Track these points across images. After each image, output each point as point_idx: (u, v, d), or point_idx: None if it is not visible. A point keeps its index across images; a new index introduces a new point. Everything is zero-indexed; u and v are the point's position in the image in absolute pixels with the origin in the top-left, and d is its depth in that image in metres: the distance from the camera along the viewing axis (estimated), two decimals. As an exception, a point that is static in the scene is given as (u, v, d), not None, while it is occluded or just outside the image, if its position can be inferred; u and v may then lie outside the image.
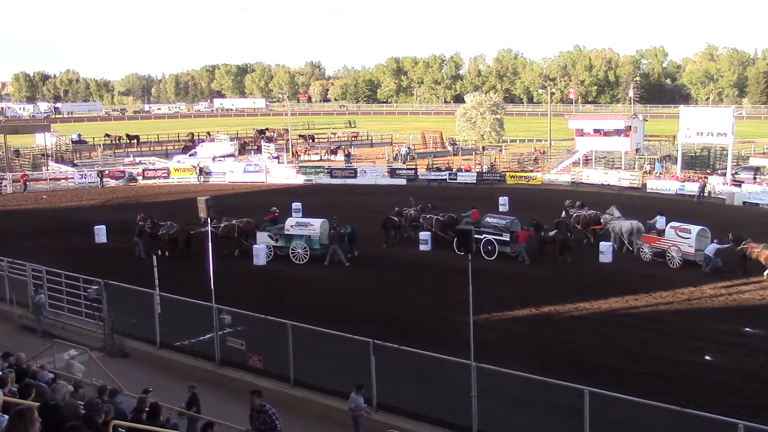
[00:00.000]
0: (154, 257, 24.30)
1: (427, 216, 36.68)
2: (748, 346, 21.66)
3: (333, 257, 32.27)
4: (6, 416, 8.50)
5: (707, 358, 20.84)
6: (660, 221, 34.46)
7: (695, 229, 31.15)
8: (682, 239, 31.08)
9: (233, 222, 34.46)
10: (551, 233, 32.82)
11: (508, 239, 32.50)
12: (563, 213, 37.01)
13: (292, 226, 33.42)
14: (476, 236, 31.74)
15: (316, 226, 32.98)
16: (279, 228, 33.98)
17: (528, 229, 33.45)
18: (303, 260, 32.53)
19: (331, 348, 18.52)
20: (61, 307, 24.76)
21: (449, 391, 16.35)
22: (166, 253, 33.29)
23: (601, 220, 35.45)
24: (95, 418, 10.22)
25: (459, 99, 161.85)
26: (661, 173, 56.69)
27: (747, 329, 23.22)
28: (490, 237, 32.82)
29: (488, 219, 33.93)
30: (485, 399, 15.69)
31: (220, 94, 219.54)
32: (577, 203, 38.67)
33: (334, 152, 77.92)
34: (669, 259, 31.30)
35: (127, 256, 33.58)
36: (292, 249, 32.84)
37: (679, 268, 30.43)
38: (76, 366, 17.94)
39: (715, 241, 30.53)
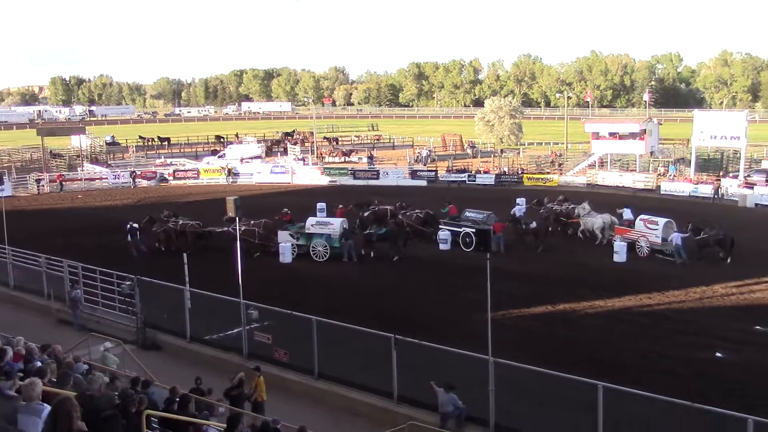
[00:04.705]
0: (185, 254, 24.43)
1: (407, 212, 37.39)
2: (759, 344, 21.57)
3: (349, 252, 32.69)
4: (46, 405, 8.70)
5: (718, 355, 20.74)
6: (626, 213, 36.11)
7: (662, 221, 32.97)
8: (650, 230, 32.91)
9: (252, 226, 33.80)
10: (532, 225, 34.98)
11: None
12: (543, 207, 39.21)
13: (312, 225, 33.75)
14: (455, 229, 34.65)
15: (336, 225, 33.48)
16: (300, 227, 34.27)
17: (505, 222, 35.08)
18: (324, 258, 32.83)
19: (355, 343, 18.63)
20: (96, 302, 25.03)
21: (468, 385, 16.37)
22: (162, 248, 34.66)
23: (576, 214, 36.92)
24: (129, 407, 10.40)
25: (478, 103, 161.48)
26: (674, 176, 56.29)
27: (758, 327, 23.03)
28: (468, 230, 34.29)
29: (467, 213, 35.66)
30: (502, 393, 15.74)
31: (247, 98, 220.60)
32: (559, 197, 40.47)
33: (346, 154, 78.49)
34: (638, 249, 33.00)
35: (158, 253, 33.96)
36: (313, 247, 33.10)
37: (685, 265, 30.38)
38: (110, 358, 18.18)
39: (676, 231, 32.19)
